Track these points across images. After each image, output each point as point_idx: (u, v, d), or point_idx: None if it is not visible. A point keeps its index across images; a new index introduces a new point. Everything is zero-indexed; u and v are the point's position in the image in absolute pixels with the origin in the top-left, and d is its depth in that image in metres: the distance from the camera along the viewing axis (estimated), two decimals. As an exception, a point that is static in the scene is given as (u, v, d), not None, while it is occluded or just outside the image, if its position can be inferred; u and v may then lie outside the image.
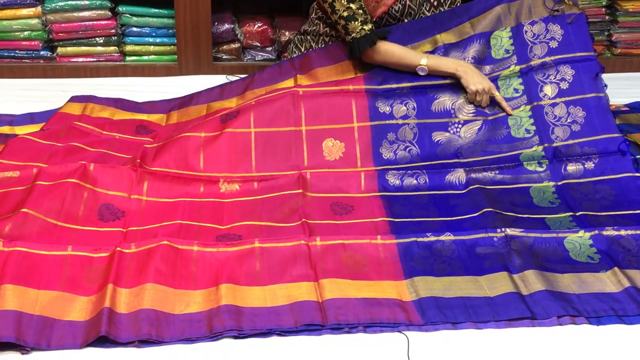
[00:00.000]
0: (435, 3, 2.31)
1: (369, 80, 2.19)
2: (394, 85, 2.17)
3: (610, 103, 2.24)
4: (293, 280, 1.69)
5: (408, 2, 2.26)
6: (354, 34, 2.18)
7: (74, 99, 2.41)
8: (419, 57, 2.18)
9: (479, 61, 2.22)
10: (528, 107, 2.17)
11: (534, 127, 2.14)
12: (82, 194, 1.92)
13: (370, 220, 1.91)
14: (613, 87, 2.30)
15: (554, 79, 2.19)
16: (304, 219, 1.88)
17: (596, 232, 1.84)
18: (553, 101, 2.17)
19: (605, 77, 2.22)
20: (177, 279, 1.68)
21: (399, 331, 1.57)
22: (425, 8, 2.30)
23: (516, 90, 2.19)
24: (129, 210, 1.92)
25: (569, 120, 2.14)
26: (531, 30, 2.22)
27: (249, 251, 1.77)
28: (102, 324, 1.53)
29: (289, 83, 2.24)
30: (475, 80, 2.12)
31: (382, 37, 2.19)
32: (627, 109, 2.53)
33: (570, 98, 2.17)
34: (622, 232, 1.83)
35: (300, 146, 2.10)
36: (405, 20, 2.29)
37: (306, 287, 1.67)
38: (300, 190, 2.00)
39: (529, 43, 2.21)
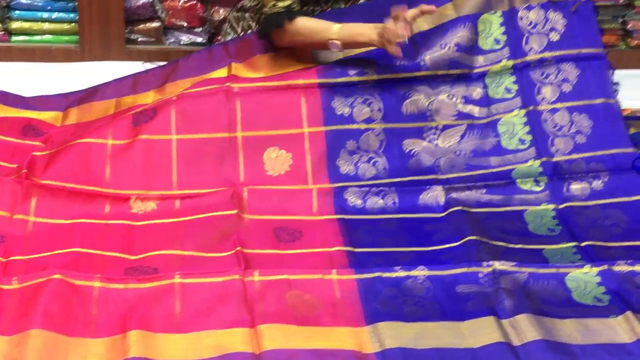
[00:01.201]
0: None
1: (323, 71, 2.20)
2: (355, 78, 2.19)
3: (624, 107, 2.29)
4: (223, 326, 1.69)
5: None
6: (265, 9, 2.19)
7: None
8: (330, 29, 2.15)
9: (464, 50, 2.25)
10: (523, 111, 2.21)
11: (529, 137, 2.18)
12: None
13: (323, 250, 1.92)
14: (627, 87, 2.34)
15: (554, 79, 2.24)
16: (239, 248, 1.88)
17: (605, 267, 1.86)
18: (553, 106, 2.22)
19: (618, 74, 2.28)
20: (72, 324, 1.66)
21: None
22: None
23: (508, 90, 2.23)
24: (10, 235, 1.89)
25: (572, 130, 2.19)
26: (527, 17, 2.27)
27: (167, 288, 1.76)
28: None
29: (221, 73, 2.23)
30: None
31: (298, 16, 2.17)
32: (645, 115, 2.59)
33: (574, 103, 2.22)
34: (638, 268, 1.87)
35: (235, 158, 2.10)
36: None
37: (240, 334, 1.67)
38: (235, 211, 2.00)
39: (525, 33, 2.26)
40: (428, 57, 2.22)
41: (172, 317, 1.70)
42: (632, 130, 2.46)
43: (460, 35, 2.25)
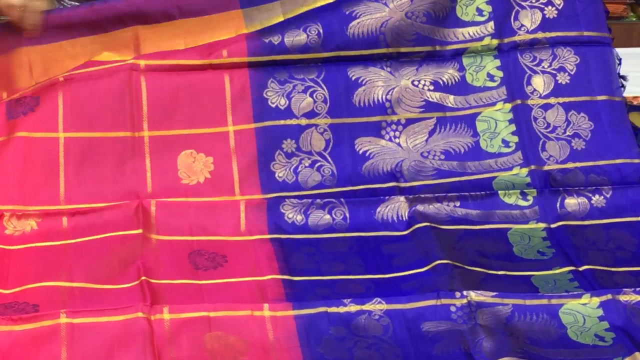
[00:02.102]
0: None
1: (256, 43, 2.18)
2: (296, 56, 2.17)
3: (634, 94, 2.31)
4: (122, 381, 1.66)
5: None
6: None
7: None
8: None
9: (436, 21, 2.23)
10: (508, 105, 2.22)
11: (515, 138, 2.19)
12: None
13: (253, 279, 1.91)
14: (634, 69, 2.35)
15: (547, 66, 2.25)
16: (144, 277, 1.85)
17: (609, 296, 1.86)
18: (546, 101, 2.23)
19: (625, 53, 2.29)
20: None
21: None
22: None
23: (491, 78, 2.24)
24: None
25: (568, 133, 2.21)
26: None
27: (50, 330, 1.72)
28: None
29: (122, 48, 2.17)
30: None
31: None
32: (654, 103, 2.60)
33: (572, 99, 2.24)
34: (647, 297, 1.88)
35: (141, 162, 2.09)
36: None
37: (144, 393, 1.65)
38: (140, 231, 1.99)
39: (515, 5, 2.27)
40: (389, 28, 2.19)
41: None
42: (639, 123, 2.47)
43: (432, 0, 2.23)
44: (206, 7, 2.21)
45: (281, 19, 2.20)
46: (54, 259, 1.93)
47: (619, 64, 2.26)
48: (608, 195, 2.15)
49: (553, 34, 2.26)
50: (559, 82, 2.24)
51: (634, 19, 3.06)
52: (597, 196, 2.15)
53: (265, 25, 2.20)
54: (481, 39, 2.24)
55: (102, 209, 2.03)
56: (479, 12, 2.25)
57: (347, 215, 2.09)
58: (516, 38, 2.25)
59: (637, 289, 1.88)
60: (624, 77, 2.29)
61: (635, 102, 2.56)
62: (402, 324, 1.80)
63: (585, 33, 2.27)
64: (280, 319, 1.80)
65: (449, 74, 2.23)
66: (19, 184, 2.05)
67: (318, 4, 2.19)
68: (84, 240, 1.98)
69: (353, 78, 2.19)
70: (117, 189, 2.06)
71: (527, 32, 2.26)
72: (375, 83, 2.19)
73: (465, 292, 1.84)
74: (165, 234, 2.01)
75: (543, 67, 2.26)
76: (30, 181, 2.05)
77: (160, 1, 2.19)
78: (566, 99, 2.24)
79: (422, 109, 2.19)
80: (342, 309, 1.81)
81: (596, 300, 1.85)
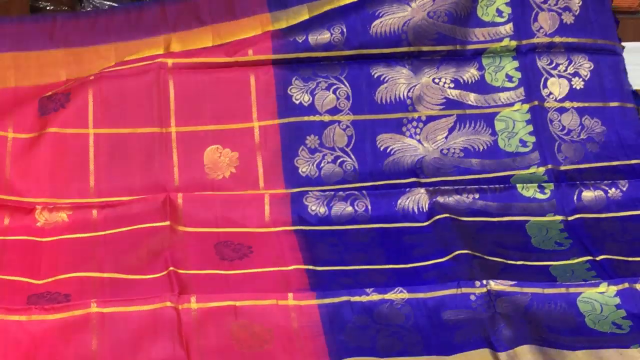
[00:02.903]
0: None
1: (280, 41, 2.19)
2: (320, 53, 2.19)
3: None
4: (151, 367, 1.67)
5: None
6: None
7: None
8: None
9: (457, 20, 2.24)
10: (526, 106, 2.23)
11: (533, 138, 2.21)
12: None
13: (278, 270, 1.92)
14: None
15: (563, 70, 2.27)
16: (172, 268, 1.87)
17: (626, 285, 1.87)
18: (561, 105, 2.25)
19: (634, 47, 2.30)
20: (-40, 366, 1.63)
21: None
22: None
23: (509, 79, 2.25)
24: None
25: (582, 137, 2.23)
26: None
27: (81, 319, 1.74)
28: None
29: (155, 49, 2.20)
30: None
31: None
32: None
33: (586, 104, 2.25)
34: (665, 286, 1.88)
35: (168, 156, 2.11)
36: None
37: (173, 376, 1.66)
38: (168, 223, 2.00)
39: (535, 7, 2.27)
40: (411, 27, 2.21)
41: (89, 356, 1.70)
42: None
43: (454, 1, 2.23)
44: (237, 12, 2.23)
45: (306, 16, 2.21)
46: (85, 250, 1.95)
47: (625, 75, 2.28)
48: (624, 189, 2.16)
49: (569, 40, 2.27)
50: (574, 86, 2.25)
51: (642, 15, 3.06)
52: (613, 189, 2.15)
53: (291, 23, 2.21)
54: (500, 39, 2.25)
55: (131, 201, 2.05)
56: (499, 13, 2.26)
57: (369, 207, 2.10)
58: (534, 40, 2.26)
59: (653, 279, 1.88)
60: (635, 93, 2.30)
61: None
62: (423, 313, 1.82)
63: (599, 41, 2.28)
64: (305, 308, 1.81)
65: (469, 73, 2.25)
66: (50, 177, 2.07)
67: (342, 3, 2.20)
68: (113, 232, 2.00)
69: (375, 76, 2.20)
70: (145, 183, 2.08)
71: (545, 34, 2.27)
72: (397, 81, 2.20)
73: (484, 282, 1.86)
74: (192, 226, 2.03)
75: (559, 70, 2.27)
76: (61, 175, 2.07)
77: (193, 9, 2.22)
78: (580, 104, 2.25)
79: (442, 106, 2.21)
80: (364, 298, 1.83)
81: (613, 289, 1.87)
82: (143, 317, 1.76)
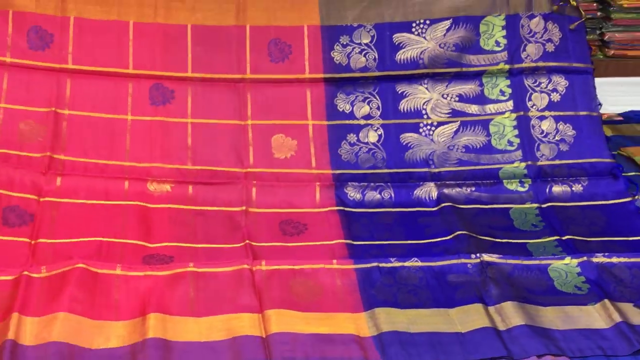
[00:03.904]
0: None
1: (329, 63, 2.18)
2: (358, 74, 2.18)
3: (602, 112, 2.28)
4: (234, 311, 1.69)
5: None
6: None
7: None
8: None
9: (463, 50, 2.22)
10: (514, 115, 2.21)
11: (517, 140, 2.18)
12: None
13: (325, 243, 1.92)
14: (605, 94, 2.35)
15: (545, 87, 2.23)
16: (247, 241, 1.88)
17: (585, 258, 1.87)
18: (541, 114, 2.22)
19: (596, 82, 2.26)
20: (96, 308, 1.66)
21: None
22: None
23: (502, 93, 2.23)
24: (38, 214, 1.90)
25: (557, 138, 2.19)
26: (528, 25, 2.25)
27: (182, 275, 1.76)
28: (4, 358, 1.50)
29: (227, 7, 2.17)
30: None
31: None
32: (620, 118, 2.59)
33: (561, 113, 2.22)
34: (614, 260, 1.87)
35: (245, 140, 2.11)
36: None
37: (249, 319, 1.67)
38: (244, 207, 2.01)
39: (524, 40, 2.24)
40: (426, 55, 2.20)
41: (187, 302, 1.71)
42: (609, 133, 2.45)
43: (460, 35, 2.22)
44: None
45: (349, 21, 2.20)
46: (184, 221, 1.96)
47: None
48: (585, 185, 2.14)
49: (550, 64, 2.24)
50: (552, 100, 2.23)
51: (601, 57, 3.02)
52: (576, 185, 2.14)
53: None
54: (497, 64, 2.23)
55: (218, 184, 2.05)
56: (497, 43, 2.23)
57: (392, 195, 2.10)
58: (523, 65, 2.23)
59: (606, 253, 1.88)
60: (599, 104, 2.27)
61: (605, 117, 2.55)
62: (432, 276, 1.82)
63: (574, 64, 2.25)
64: (345, 271, 1.82)
65: (471, 89, 2.22)
66: (160, 149, 2.08)
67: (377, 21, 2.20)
68: (204, 209, 2.00)
69: (399, 91, 2.20)
70: (229, 158, 2.08)
71: (532, 60, 2.24)
72: (416, 95, 2.19)
73: (478, 254, 1.86)
74: (262, 207, 2.03)
75: (541, 87, 2.24)
76: (167, 148, 2.08)
77: None
78: (556, 113, 2.22)
79: (449, 115, 2.19)
80: (389, 265, 1.84)
81: (575, 261, 1.86)
82: (227, 275, 1.77)
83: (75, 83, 2.10)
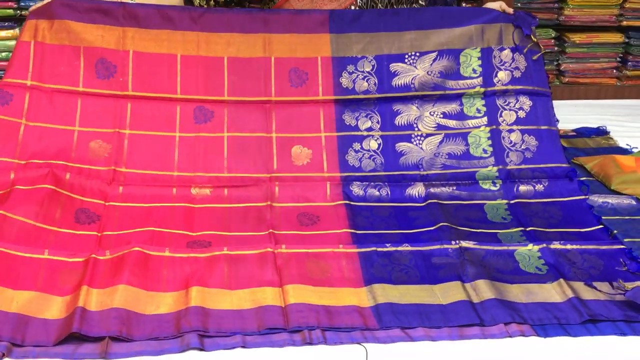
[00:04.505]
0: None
1: (338, 87, 2.20)
2: (362, 96, 2.21)
3: (559, 128, 2.29)
4: (259, 285, 1.71)
5: None
6: None
7: None
8: None
9: (446, 76, 2.24)
10: (488, 128, 2.22)
11: (491, 149, 2.20)
12: (59, 199, 1.93)
13: (334, 232, 1.94)
14: (561, 114, 2.36)
15: (513, 106, 2.25)
16: (271, 230, 1.90)
17: (544, 245, 1.88)
18: (510, 127, 2.23)
19: (553, 104, 2.28)
20: (148, 282, 1.70)
21: (358, 342, 1.58)
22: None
23: (478, 111, 2.24)
24: (104, 215, 1.93)
25: (522, 147, 2.21)
26: (499, 56, 2.27)
27: (218, 257, 1.78)
28: (75, 321, 1.54)
29: (255, 43, 2.17)
30: None
31: None
32: (574, 133, 2.61)
33: (526, 127, 2.24)
34: (568, 247, 1.88)
35: (270, 151, 2.12)
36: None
37: (271, 292, 1.70)
38: (268, 202, 2.02)
39: (496, 68, 2.26)
40: (417, 81, 2.23)
41: (222, 278, 1.73)
42: (565, 144, 2.47)
43: (444, 64, 2.24)
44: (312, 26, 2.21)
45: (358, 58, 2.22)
46: (220, 216, 1.97)
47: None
48: (545, 185, 2.14)
49: (518, 87, 2.25)
50: (519, 116, 2.24)
51: (558, 83, 3.05)
52: (539, 185, 2.14)
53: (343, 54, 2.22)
54: (474, 87, 2.24)
55: (248, 186, 2.06)
56: (474, 71, 2.25)
57: (389, 192, 2.11)
58: (495, 88, 2.25)
59: (562, 241, 1.89)
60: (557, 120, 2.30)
61: (562, 133, 2.56)
62: (420, 258, 1.84)
63: (536, 88, 2.27)
64: (350, 254, 1.84)
65: (453, 108, 2.24)
66: (202, 161, 2.09)
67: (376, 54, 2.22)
68: (236, 206, 2.01)
69: (395, 110, 2.21)
70: (257, 165, 2.09)
71: (502, 84, 2.25)
72: (409, 113, 2.21)
73: (458, 241, 1.87)
74: (283, 202, 2.04)
75: (510, 106, 2.25)
76: (208, 159, 2.09)
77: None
78: (522, 127, 2.23)
79: (435, 128, 2.21)
80: (385, 249, 1.85)
81: (536, 247, 1.88)
82: (254, 257, 1.80)
83: (134, 107, 2.11)
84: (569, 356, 1.56)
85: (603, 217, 2.02)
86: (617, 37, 3.04)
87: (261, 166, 2.09)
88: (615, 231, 1.94)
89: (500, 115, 2.23)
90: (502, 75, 2.25)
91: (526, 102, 2.24)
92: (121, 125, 2.09)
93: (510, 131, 2.22)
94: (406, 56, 2.23)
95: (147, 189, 2.01)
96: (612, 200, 2.11)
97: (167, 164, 2.06)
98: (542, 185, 2.13)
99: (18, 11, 2.82)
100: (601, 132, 2.60)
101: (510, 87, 2.25)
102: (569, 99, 2.98)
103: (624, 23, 3.03)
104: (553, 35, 3.01)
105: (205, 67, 2.16)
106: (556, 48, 3.03)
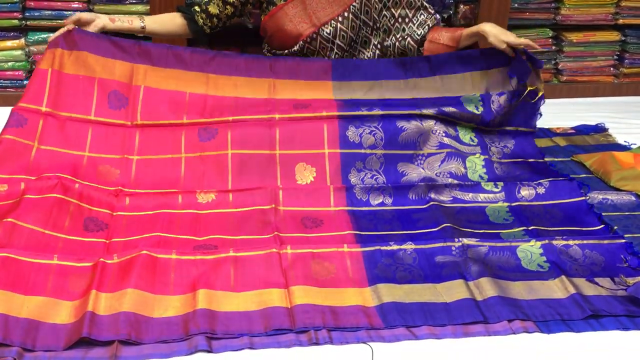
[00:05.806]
0: (375, 27, 2.32)
1: (341, 106, 2.20)
2: (365, 113, 2.19)
3: (558, 126, 2.29)
4: (265, 287, 1.71)
5: (339, 26, 2.26)
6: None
7: None
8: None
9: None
10: (482, 157, 2.24)
11: (486, 176, 2.21)
12: (67, 207, 1.94)
13: (338, 234, 1.93)
14: (560, 112, 2.37)
15: (498, 145, 2.28)
16: (276, 232, 1.90)
17: (546, 241, 1.88)
18: (499, 159, 2.26)
19: (552, 102, 2.31)
20: (156, 285, 1.70)
21: (364, 342, 1.58)
22: (367, 32, 2.31)
23: (472, 140, 2.26)
24: (112, 224, 1.93)
25: (513, 174, 2.22)
26: (498, 101, 2.27)
27: (224, 259, 1.78)
28: (84, 326, 1.55)
29: (261, 86, 2.21)
30: None
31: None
32: (573, 131, 2.61)
33: (511, 160, 2.26)
34: (570, 242, 1.88)
35: (274, 169, 2.11)
36: (339, 43, 2.29)
37: (277, 293, 1.69)
38: (273, 206, 2.02)
39: (494, 113, 2.27)
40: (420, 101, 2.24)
41: (228, 280, 1.72)
42: (564, 143, 2.47)
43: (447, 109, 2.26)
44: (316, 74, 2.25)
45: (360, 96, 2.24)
46: (226, 222, 1.97)
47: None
48: (547, 187, 2.13)
49: (506, 128, 2.30)
50: (505, 152, 2.28)
51: (556, 82, 3.05)
52: (540, 187, 2.13)
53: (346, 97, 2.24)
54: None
55: (252, 190, 2.06)
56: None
57: (392, 197, 2.09)
58: (487, 128, 2.27)
59: (564, 237, 1.89)
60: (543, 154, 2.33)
61: (561, 130, 2.56)
62: (423, 257, 1.83)
63: (520, 129, 2.30)
64: (354, 253, 1.83)
65: (452, 130, 2.24)
66: (207, 178, 2.09)
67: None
68: (242, 210, 2.01)
69: (399, 127, 2.19)
70: (260, 184, 2.07)
71: (494, 125, 2.28)
72: (412, 130, 2.19)
73: (460, 239, 1.87)
74: (288, 206, 2.03)
75: (496, 145, 2.28)
76: (212, 177, 2.09)
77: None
78: (509, 160, 2.26)
79: (437, 147, 2.20)
80: (388, 248, 1.85)
81: (539, 244, 1.87)
82: (259, 258, 1.79)
83: (142, 134, 2.13)
84: (572, 352, 1.57)
85: (603, 214, 2.02)
86: (614, 36, 3.06)
87: (265, 184, 2.07)
88: (615, 227, 1.94)
89: (490, 149, 2.25)
90: (499, 118, 2.26)
91: (510, 140, 2.28)
92: (129, 152, 2.11)
93: (500, 163, 2.24)
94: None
95: (154, 199, 2.02)
96: (612, 196, 2.12)
97: (173, 182, 2.07)
98: (542, 188, 2.12)
99: (23, 21, 2.84)
100: (600, 129, 2.60)
101: (498, 128, 2.28)
102: (567, 97, 2.99)
103: (620, 21, 3.05)
104: (550, 34, 3.01)
105: (212, 101, 2.20)
106: (554, 47, 3.04)
